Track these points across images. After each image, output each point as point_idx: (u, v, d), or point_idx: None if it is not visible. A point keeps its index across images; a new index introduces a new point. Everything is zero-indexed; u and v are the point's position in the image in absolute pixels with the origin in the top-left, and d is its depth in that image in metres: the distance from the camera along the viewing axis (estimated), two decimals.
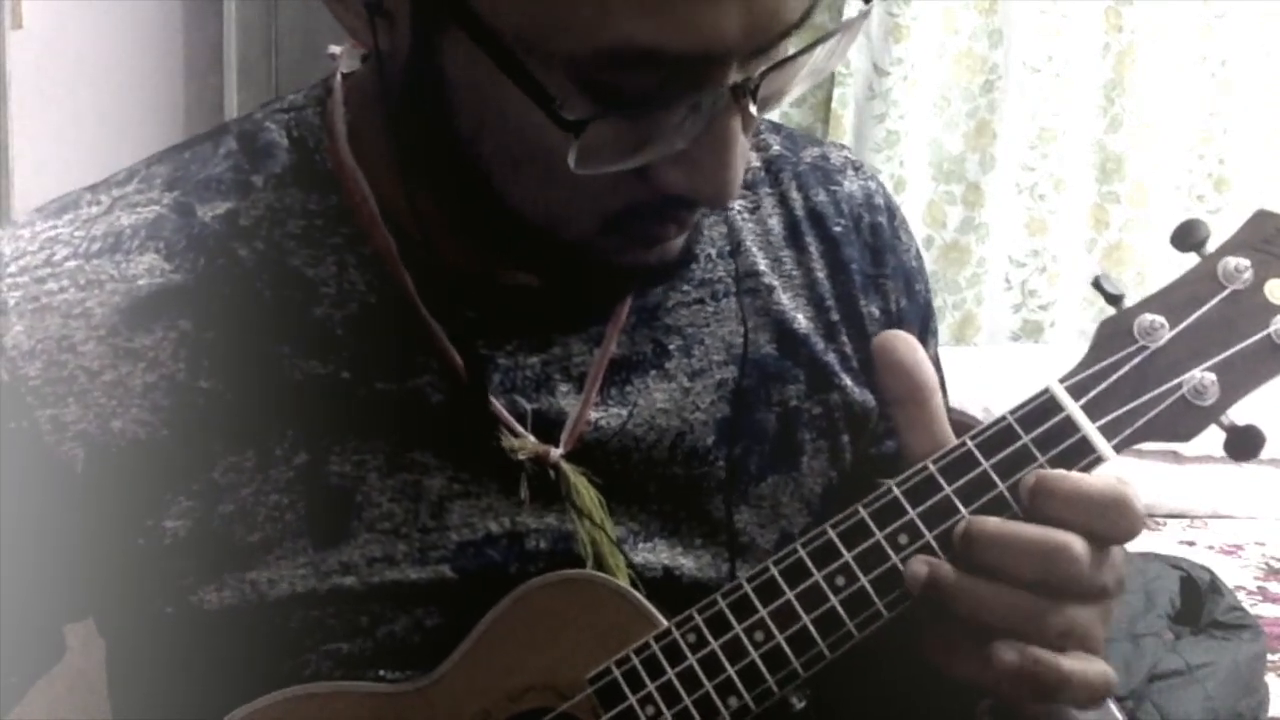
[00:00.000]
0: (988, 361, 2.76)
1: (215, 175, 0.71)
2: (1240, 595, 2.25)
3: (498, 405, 0.70)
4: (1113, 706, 0.97)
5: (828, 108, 2.93)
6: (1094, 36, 2.96)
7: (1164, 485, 2.69)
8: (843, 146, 0.85)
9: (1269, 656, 2.10)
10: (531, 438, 0.71)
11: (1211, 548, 2.64)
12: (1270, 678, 2.09)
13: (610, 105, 0.57)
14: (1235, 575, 2.44)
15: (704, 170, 0.60)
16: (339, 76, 0.73)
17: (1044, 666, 0.61)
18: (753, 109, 0.59)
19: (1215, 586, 2.16)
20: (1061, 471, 0.63)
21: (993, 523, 0.62)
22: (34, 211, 0.71)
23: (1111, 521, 0.61)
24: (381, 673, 0.69)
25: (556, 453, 0.71)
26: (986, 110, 2.96)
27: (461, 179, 0.65)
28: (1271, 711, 2.06)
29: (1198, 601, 2.13)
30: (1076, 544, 0.61)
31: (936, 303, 2.91)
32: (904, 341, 0.65)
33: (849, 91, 2.91)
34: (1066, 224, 3.02)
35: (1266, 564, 2.58)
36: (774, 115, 0.62)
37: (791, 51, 0.61)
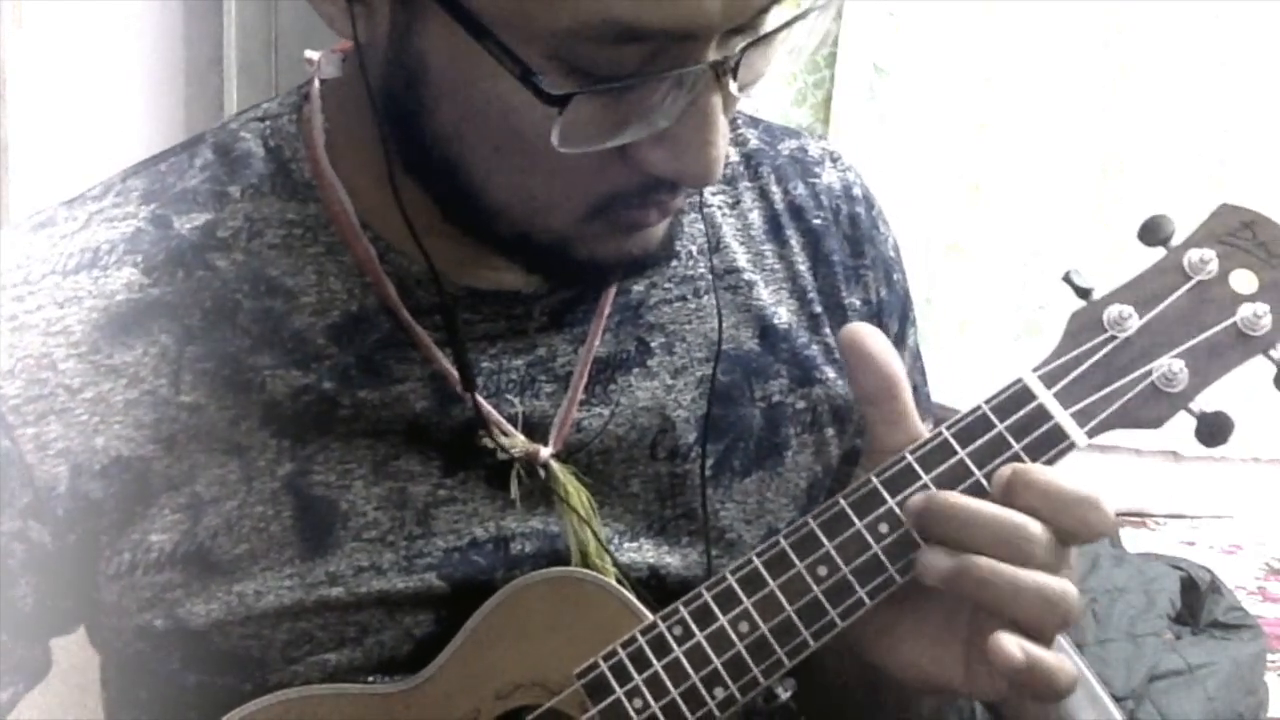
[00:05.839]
0: (988, 361, 2.76)
1: (192, 187, 0.71)
2: (1240, 595, 2.26)
3: (486, 405, 0.70)
4: (1089, 677, 0.97)
5: (828, 108, 2.93)
6: (1094, 36, 2.96)
7: (1164, 485, 2.69)
8: (820, 138, 0.85)
9: (1269, 656, 2.10)
10: (521, 436, 0.71)
11: (1211, 548, 2.64)
12: (1270, 678, 2.09)
13: (591, 83, 0.57)
14: (1235, 575, 2.44)
15: (687, 150, 0.60)
16: (316, 83, 0.72)
17: (1043, 662, 0.60)
18: (733, 87, 0.59)
19: (1215, 586, 2.16)
20: (1038, 466, 0.63)
21: (953, 496, 0.63)
22: (10, 229, 0.71)
23: (1079, 517, 0.62)
24: (371, 681, 0.69)
25: (546, 451, 0.71)
26: (987, 110, 2.96)
27: (442, 176, 0.64)
28: (1271, 711, 2.06)
29: (1198, 601, 2.13)
30: (1034, 525, 0.61)
31: (936, 302, 2.92)
32: (871, 335, 0.66)
33: (849, 91, 2.91)
34: (1066, 224, 3.02)
35: (1266, 564, 2.58)
36: (775, 116, 0.62)
37: (771, 28, 0.60)
